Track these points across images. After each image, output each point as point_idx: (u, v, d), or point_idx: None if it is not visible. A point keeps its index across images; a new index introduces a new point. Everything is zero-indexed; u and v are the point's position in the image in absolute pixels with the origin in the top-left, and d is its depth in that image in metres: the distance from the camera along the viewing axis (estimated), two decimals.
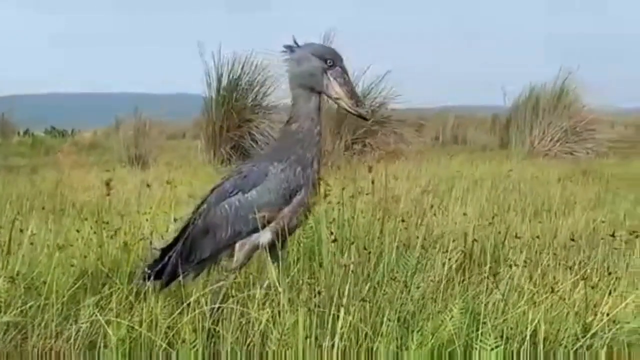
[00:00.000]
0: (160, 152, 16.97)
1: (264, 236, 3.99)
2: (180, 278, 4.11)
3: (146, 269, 4.18)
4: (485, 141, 21.46)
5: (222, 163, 15.09)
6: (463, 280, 4.32)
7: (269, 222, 3.97)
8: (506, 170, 11.19)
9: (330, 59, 4.04)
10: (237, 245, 4.03)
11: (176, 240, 4.25)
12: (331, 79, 4.04)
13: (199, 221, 4.16)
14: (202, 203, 4.25)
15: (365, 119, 4.18)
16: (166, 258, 4.19)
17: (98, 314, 3.75)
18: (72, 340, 3.69)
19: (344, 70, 4.06)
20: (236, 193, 4.08)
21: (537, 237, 5.37)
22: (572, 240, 5.16)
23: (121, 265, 4.47)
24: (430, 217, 5.53)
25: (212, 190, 4.24)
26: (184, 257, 4.15)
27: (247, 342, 3.66)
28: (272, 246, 4.01)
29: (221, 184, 4.20)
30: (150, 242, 4.33)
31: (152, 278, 4.13)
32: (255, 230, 3.99)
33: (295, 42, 4.14)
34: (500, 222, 5.22)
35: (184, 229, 4.25)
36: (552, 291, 3.88)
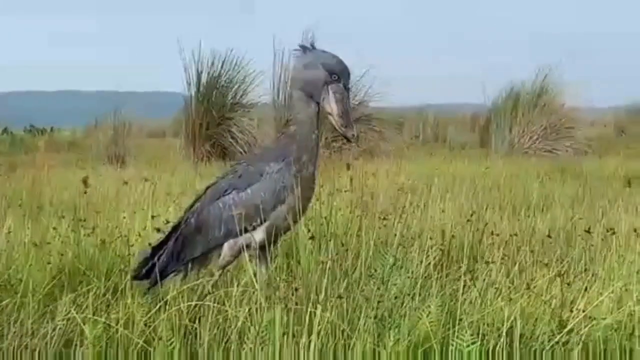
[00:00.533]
0: (139, 150, 16.92)
1: (257, 236, 4.00)
2: (171, 276, 4.11)
3: (136, 268, 4.18)
4: (465, 139, 21.51)
5: (202, 161, 15.06)
6: (441, 278, 4.32)
7: (262, 222, 3.98)
8: (485, 168, 11.22)
9: (336, 74, 4.04)
10: (227, 244, 4.03)
11: (167, 238, 4.24)
12: (330, 93, 4.04)
13: (192, 219, 4.16)
14: (196, 201, 4.24)
15: (349, 140, 4.16)
16: (156, 257, 4.18)
17: (74, 312, 3.73)
18: (48, 338, 3.67)
19: (345, 88, 4.05)
20: (230, 192, 4.08)
21: (515, 234, 5.38)
22: (549, 236, 5.17)
23: (98, 263, 4.46)
24: (409, 215, 5.53)
25: (207, 188, 4.24)
26: (175, 255, 4.14)
27: (225, 339, 3.65)
28: (262, 246, 4.01)
29: (216, 182, 4.22)
30: (149, 243, 4.33)
31: (142, 277, 4.13)
32: (248, 229, 3.99)
33: (312, 44, 4.14)
34: (479, 220, 5.22)
35: (175, 227, 4.24)
36: (528, 288, 3.89)
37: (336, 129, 4.08)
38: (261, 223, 4.00)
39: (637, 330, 3.50)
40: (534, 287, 3.96)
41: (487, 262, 4.53)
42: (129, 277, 4.16)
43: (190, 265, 4.13)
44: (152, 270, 4.15)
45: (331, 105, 4.03)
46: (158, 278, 4.06)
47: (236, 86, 16.37)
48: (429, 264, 4.44)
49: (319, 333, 3.43)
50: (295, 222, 4.07)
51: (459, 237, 4.92)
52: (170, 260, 4.14)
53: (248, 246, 4.01)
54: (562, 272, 4.25)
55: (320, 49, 4.16)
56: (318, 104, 4.05)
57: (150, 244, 4.28)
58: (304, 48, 4.14)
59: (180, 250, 4.14)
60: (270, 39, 14.26)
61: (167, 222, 4.94)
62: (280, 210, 3.99)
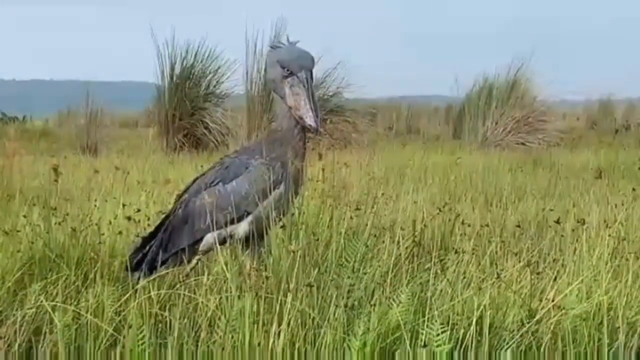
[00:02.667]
0: (112, 140, 16.85)
1: (241, 227, 4.01)
2: (159, 267, 4.10)
3: (128, 259, 4.18)
4: (439, 131, 21.57)
5: (175, 151, 15.02)
6: (412, 267, 4.33)
7: (247, 214, 4.00)
8: (457, 159, 11.25)
9: (288, 67, 4.04)
10: (211, 234, 4.03)
11: (157, 229, 4.24)
12: (286, 88, 4.06)
13: (180, 210, 4.16)
14: (184, 192, 4.25)
15: (310, 132, 4.14)
16: (147, 247, 4.17)
17: (44, 300, 3.71)
18: (17, 325, 3.64)
19: (302, 80, 4.04)
20: (217, 183, 4.10)
21: (487, 225, 5.40)
22: (518, 226, 5.20)
23: (69, 251, 4.43)
24: (381, 205, 5.54)
25: (195, 180, 4.24)
26: (163, 245, 4.14)
27: (195, 328, 3.64)
28: (246, 238, 4.02)
29: (203, 174, 4.25)
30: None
31: (134, 269, 4.12)
32: (233, 221, 4.00)
33: (283, 42, 4.15)
34: (451, 211, 5.24)
35: (165, 218, 4.24)
36: (498, 277, 3.90)
37: (298, 121, 4.07)
38: (246, 215, 4.00)
39: (605, 320, 3.52)
40: (504, 276, 3.98)
41: (457, 252, 4.54)
42: (99, 265, 4.14)
43: (179, 256, 4.12)
44: (142, 261, 4.15)
45: (289, 100, 4.05)
46: (145, 269, 4.07)
47: (209, 76, 16.33)
48: (400, 254, 4.44)
49: (289, 322, 3.44)
50: (283, 214, 4.08)
51: (430, 227, 4.94)
52: (160, 251, 4.14)
53: (232, 237, 4.02)
54: (532, 262, 4.27)
55: (289, 43, 4.15)
56: None
57: (138, 235, 4.32)
58: (272, 47, 4.17)
59: (169, 240, 4.15)
60: (243, 28, 14.21)
61: (138, 210, 4.93)
62: (265, 203, 4.00)
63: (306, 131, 4.13)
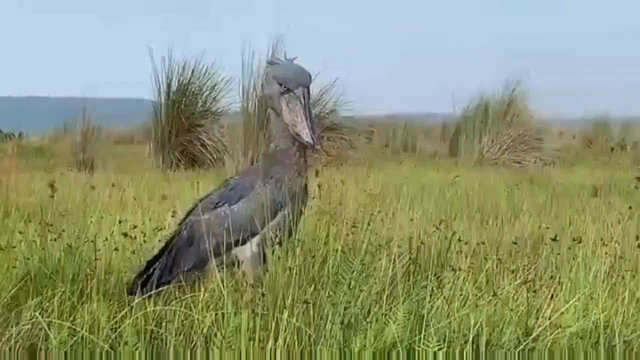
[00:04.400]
0: (108, 156, 16.85)
1: (248, 249, 3.98)
2: (162, 289, 4.06)
3: (131, 282, 4.15)
4: (435, 149, 21.58)
5: (171, 168, 15.02)
6: (408, 285, 4.33)
7: (253, 235, 3.98)
8: (454, 177, 11.25)
9: (285, 84, 4.00)
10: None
11: (161, 252, 4.21)
12: (284, 104, 4.01)
13: (185, 232, 4.13)
14: (188, 214, 4.21)
15: (308, 148, 4.08)
16: (151, 270, 4.14)
17: (39, 316, 3.70)
18: (12, 342, 3.63)
19: (298, 96, 4.00)
20: (222, 205, 4.06)
21: (483, 242, 5.40)
22: (515, 243, 5.20)
23: (64, 267, 4.42)
24: (377, 222, 5.54)
25: (200, 201, 4.21)
26: (167, 268, 4.11)
27: (191, 344, 3.63)
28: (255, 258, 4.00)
29: (208, 195, 4.21)
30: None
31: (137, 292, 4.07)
32: (238, 242, 3.97)
33: (280, 58, 4.12)
34: (447, 228, 5.24)
35: (170, 240, 4.21)
36: (495, 294, 3.90)
37: (296, 138, 4.03)
38: (252, 236, 4.00)
39: (602, 338, 3.52)
40: (501, 294, 3.97)
41: (454, 270, 4.54)
42: (94, 281, 4.13)
43: (183, 278, 4.09)
44: (145, 283, 4.12)
45: (286, 116, 4.01)
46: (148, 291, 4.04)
47: (206, 93, 16.36)
48: (396, 271, 4.44)
49: (285, 339, 3.43)
50: (289, 235, 4.06)
51: (427, 245, 4.93)
52: (163, 274, 4.11)
53: (239, 260, 3.99)
54: (529, 280, 4.27)
55: (286, 59, 4.13)
56: None
57: (134, 252, 4.30)
58: (269, 63, 4.15)
59: (173, 263, 4.11)
60: (240, 45, 14.22)
61: (135, 227, 4.92)
62: (271, 224, 3.98)
63: (305, 148, 4.10)
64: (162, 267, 4.12)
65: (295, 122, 4.00)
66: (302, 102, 4.01)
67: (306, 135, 4.01)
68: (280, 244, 4.03)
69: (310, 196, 4.34)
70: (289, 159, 4.05)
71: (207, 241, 4.01)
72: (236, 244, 4.01)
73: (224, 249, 4.02)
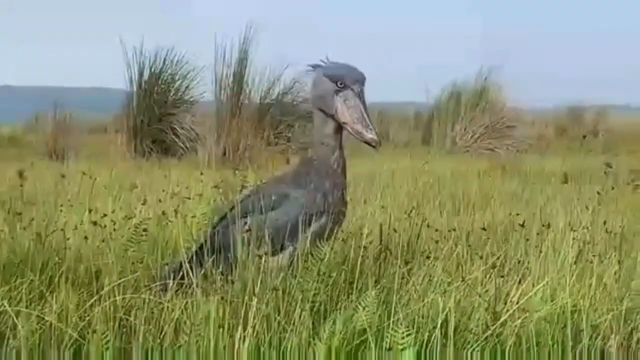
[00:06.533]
0: (80, 146, 16.77)
1: (279, 260, 3.89)
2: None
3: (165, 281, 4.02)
4: (408, 137, 21.63)
5: (143, 157, 14.98)
6: (378, 271, 4.34)
7: (285, 247, 3.89)
8: (426, 166, 11.28)
9: (341, 81, 3.87)
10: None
11: (193, 254, 4.11)
12: (340, 102, 3.88)
13: (215, 238, 4.02)
14: (220, 220, 4.13)
15: (372, 146, 3.96)
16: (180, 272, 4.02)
17: (7, 305, 3.69)
18: None
19: (357, 93, 3.87)
20: (254, 213, 3.96)
21: (454, 229, 5.42)
22: (484, 229, 5.22)
23: (34, 256, 4.40)
24: (349, 210, 5.55)
25: (231, 208, 4.12)
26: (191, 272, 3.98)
27: (160, 333, 3.63)
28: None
29: (240, 202, 4.08)
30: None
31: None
32: (269, 253, 3.86)
33: (324, 60, 4.00)
34: (418, 215, 5.25)
35: (200, 247, 4.10)
36: (463, 280, 3.92)
37: (355, 137, 3.91)
38: (285, 247, 3.90)
39: (569, 322, 3.54)
40: (469, 279, 3.99)
41: (425, 256, 4.56)
42: (63, 269, 4.11)
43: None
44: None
45: (343, 115, 3.88)
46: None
47: (178, 82, 16.34)
48: (366, 257, 4.45)
49: (254, 326, 3.43)
50: (322, 246, 3.94)
51: (398, 231, 4.94)
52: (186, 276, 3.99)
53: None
54: (497, 265, 4.29)
55: (333, 61, 4.00)
56: (334, 119, 3.90)
57: (103, 240, 4.21)
58: (313, 66, 4.00)
59: (201, 267, 3.99)
60: (212, 34, 14.20)
61: (104, 215, 4.90)
62: (304, 236, 3.88)
63: (343, 158, 4.00)
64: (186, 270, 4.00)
65: (355, 120, 3.87)
66: (361, 98, 3.89)
67: (370, 132, 3.89)
68: (312, 255, 3.93)
69: (348, 208, 4.19)
70: (328, 169, 3.94)
71: (237, 250, 3.89)
72: (266, 254, 3.88)
73: (255, 259, 3.88)
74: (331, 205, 3.93)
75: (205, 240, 4.11)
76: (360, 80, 3.90)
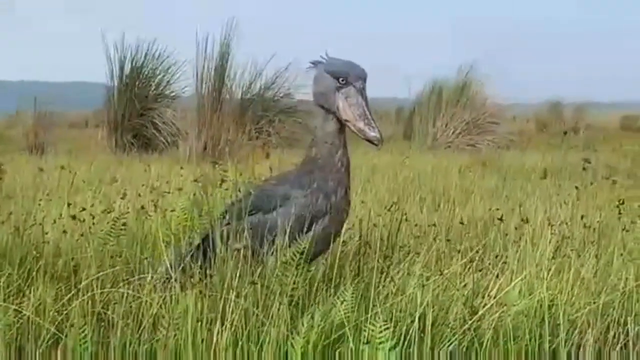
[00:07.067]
0: (61, 140, 16.73)
1: (271, 260, 3.83)
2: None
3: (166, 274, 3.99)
4: (390, 132, 21.64)
5: (124, 151, 14.95)
6: (358, 266, 4.35)
7: (286, 247, 3.82)
8: (408, 162, 11.31)
9: (344, 77, 3.80)
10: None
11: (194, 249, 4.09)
12: (341, 99, 3.81)
13: (215, 236, 3.98)
14: (222, 217, 4.08)
15: (374, 144, 3.84)
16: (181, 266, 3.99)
17: None
18: None
19: (358, 90, 3.80)
20: (256, 213, 3.92)
21: (434, 224, 5.44)
22: (462, 223, 5.23)
23: (12, 250, 4.39)
24: None
25: (232, 204, 4.09)
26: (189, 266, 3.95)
27: (139, 326, 3.62)
28: None
29: (242, 199, 4.04)
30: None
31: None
32: (269, 253, 3.83)
33: (323, 57, 3.91)
34: (398, 210, 5.26)
35: (202, 241, 4.09)
36: (441, 274, 3.93)
37: (357, 134, 3.83)
38: (285, 247, 3.82)
39: (546, 316, 3.55)
40: (448, 273, 4.00)
41: (405, 251, 4.57)
42: (42, 263, 4.10)
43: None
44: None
45: (345, 112, 3.80)
46: None
47: (159, 77, 16.31)
48: (346, 252, 4.46)
49: (232, 321, 3.43)
50: (327, 247, 3.94)
51: (378, 226, 4.95)
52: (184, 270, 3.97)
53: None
54: (475, 260, 4.31)
55: (335, 57, 3.92)
56: (336, 116, 3.83)
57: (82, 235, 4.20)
58: (314, 63, 3.92)
59: (201, 265, 3.98)
60: (193, 28, 14.15)
61: (83, 209, 4.89)
62: (307, 236, 3.82)
63: (347, 157, 3.93)
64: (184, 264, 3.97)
65: (357, 117, 3.79)
66: (363, 95, 3.82)
67: (372, 130, 3.79)
68: (315, 257, 3.91)
69: (351, 208, 4.12)
70: (332, 168, 3.86)
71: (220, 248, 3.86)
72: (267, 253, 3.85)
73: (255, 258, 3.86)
74: (334, 205, 3.86)
75: (203, 239, 4.10)
76: (362, 76, 3.83)
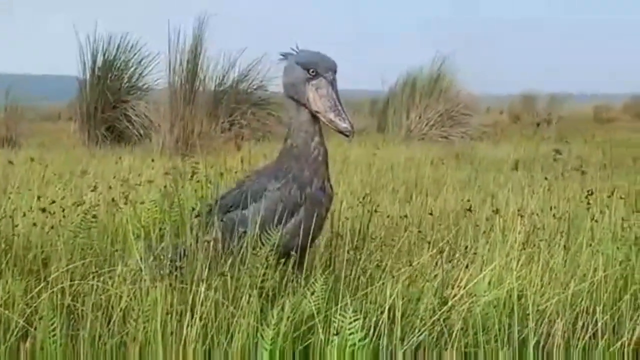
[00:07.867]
0: (33, 133, 16.64)
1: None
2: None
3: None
4: (363, 125, 21.65)
5: (97, 144, 14.88)
6: (329, 257, 4.35)
7: (265, 241, 3.79)
8: (381, 154, 11.33)
9: (313, 69, 3.78)
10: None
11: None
12: (312, 90, 3.79)
13: (199, 232, 3.95)
14: (209, 212, 4.05)
15: (345, 135, 3.82)
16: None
17: None
18: None
19: (330, 80, 3.78)
20: (235, 208, 3.90)
21: (405, 216, 5.45)
22: (430, 214, 5.25)
23: None
24: None
25: (216, 201, 4.06)
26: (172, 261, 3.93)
27: (108, 319, 3.61)
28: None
29: (223, 196, 4.02)
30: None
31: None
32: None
33: (294, 49, 3.88)
34: (370, 202, 5.26)
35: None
36: (410, 264, 3.94)
37: (328, 125, 3.80)
38: (265, 242, 3.78)
39: (516, 307, 3.57)
40: (418, 264, 4.01)
41: (375, 243, 4.58)
42: (11, 256, 4.08)
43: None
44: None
45: (316, 103, 3.78)
46: None
47: (132, 69, 16.24)
48: (317, 243, 4.46)
49: (201, 313, 3.42)
50: (310, 239, 3.87)
51: (350, 218, 4.96)
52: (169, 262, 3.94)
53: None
54: (444, 250, 4.32)
55: (305, 49, 3.90)
56: (306, 107, 3.80)
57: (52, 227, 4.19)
58: (284, 55, 3.91)
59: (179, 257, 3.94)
60: (165, 20, 14.08)
61: (53, 202, 4.87)
62: (284, 230, 3.79)
63: (323, 146, 3.90)
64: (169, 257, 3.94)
65: (327, 108, 3.77)
66: (334, 86, 3.80)
67: (343, 121, 3.78)
68: (297, 249, 3.87)
69: (332, 196, 4.06)
70: (308, 156, 3.82)
71: (219, 244, 3.84)
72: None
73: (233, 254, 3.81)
74: (309, 196, 3.82)
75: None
76: (333, 68, 3.82)
